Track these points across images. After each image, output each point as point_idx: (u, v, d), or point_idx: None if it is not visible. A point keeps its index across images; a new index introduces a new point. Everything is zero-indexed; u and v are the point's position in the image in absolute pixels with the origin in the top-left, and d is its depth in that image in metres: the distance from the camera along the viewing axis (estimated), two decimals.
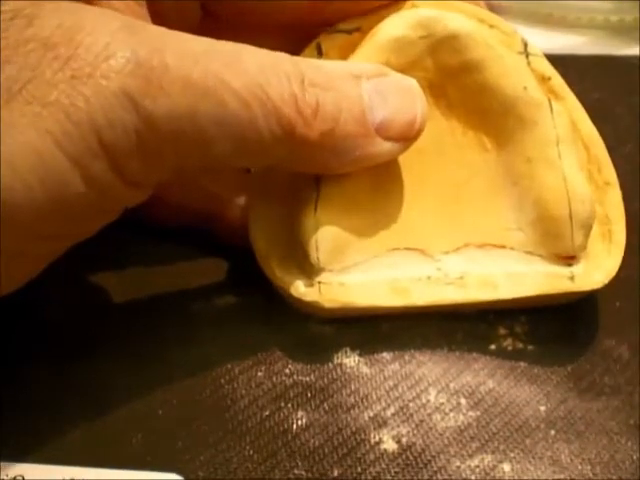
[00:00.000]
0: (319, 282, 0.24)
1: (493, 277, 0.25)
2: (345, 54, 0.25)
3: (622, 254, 0.25)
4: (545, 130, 0.24)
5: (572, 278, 0.24)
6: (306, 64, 0.21)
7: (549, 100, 0.25)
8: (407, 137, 0.23)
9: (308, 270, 0.24)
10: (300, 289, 0.24)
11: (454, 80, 0.25)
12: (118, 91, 0.18)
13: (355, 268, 0.24)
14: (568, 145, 0.24)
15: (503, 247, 0.25)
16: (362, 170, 0.24)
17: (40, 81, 0.18)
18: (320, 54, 0.25)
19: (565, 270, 0.24)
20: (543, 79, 0.25)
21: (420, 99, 0.23)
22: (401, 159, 0.25)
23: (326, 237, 0.24)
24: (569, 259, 0.24)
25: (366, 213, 0.24)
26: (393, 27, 0.25)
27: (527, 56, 0.25)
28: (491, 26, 0.26)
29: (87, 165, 0.19)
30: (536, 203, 0.24)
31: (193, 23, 0.26)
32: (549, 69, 0.26)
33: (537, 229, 0.25)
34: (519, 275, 0.24)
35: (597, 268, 0.25)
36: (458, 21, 0.25)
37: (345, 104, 0.21)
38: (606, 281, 0.24)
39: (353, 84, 0.22)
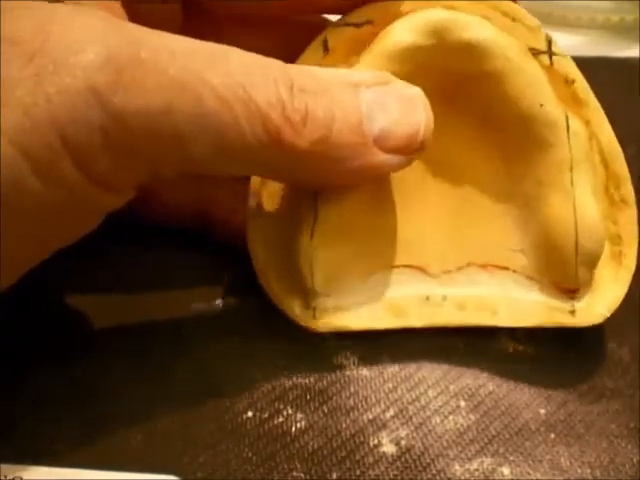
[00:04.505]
0: (314, 307, 0.24)
1: (493, 302, 0.24)
2: (353, 49, 0.24)
3: (629, 281, 0.24)
4: (559, 153, 0.23)
5: (573, 312, 0.24)
6: (297, 70, 0.21)
7: (567, 117, 0.23)
8: (409, 150, 0.22)
9: (304, 290, 0.24)
10: (295, 310, 0.24)
11: (467, 90, 0.24)
12: (83, 88, 0.18)
13: (352, 289, 0.24)
14: (582, 170, 0.23)
15: (506, 269, 0.24)
16: (362, 185, 0.23)
17: (6, 79, 0.18)
18: (326, 50, 0.24)
19: (567, 303, 0.24)
20: (566, 82, 0.24)
21: (425, 109, 0.22)
22: (405, 171, 0.24)
23: (322, 265, 0.23)
24: (571, 292, 0.24)
25: (366, 231, 0.24)
26: (403, 33, 0.23)
27: (550, 56, 0.24)
28: (514, 19, 0.24)
29: (48, 164, 0.18)
30: (542, 230, 0.24)
31: (175, 24, 0.25)
32: (573, 71, 0.24)
33: (541, 256, 0.24)
34: (519, 303, 0.24)
35: (600, 298, 0.24)
36: (475, 29, 0.23)
37: (339, 112, 0.20)
38: (608, 314, 0.24)
39: (350, 92, 0.21)
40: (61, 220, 0.20)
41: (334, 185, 0.23)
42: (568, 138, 0.23)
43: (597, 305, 0.24)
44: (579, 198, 0.23)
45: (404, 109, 0.21)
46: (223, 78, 0.19)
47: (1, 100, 0.17)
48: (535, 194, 0.24)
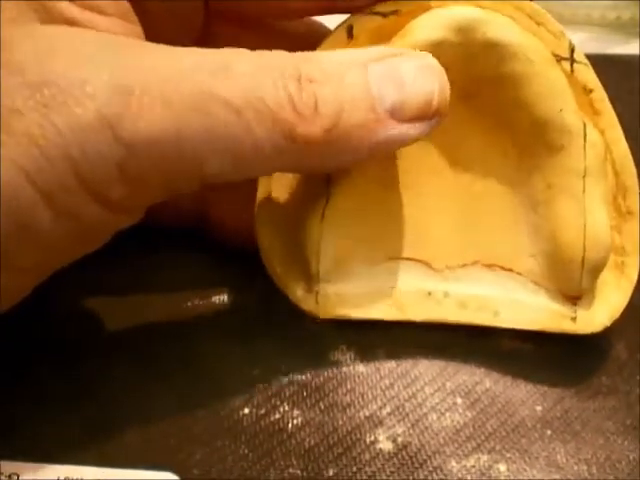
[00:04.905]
0: (317, 292, 0.24)
1: (494, 302, 0.24)
2: (378, 38, 0.23)
3: (631, 290, 0.24)
4: (573, 159, 0.23)
5: (574, 319, 0.24)
6: (304, 58, 0.20)
7: (584, 126, 0.23)
8: (425, 116, 0.21)
9: (308, 275, 0.24)
10: (297, 294, 0.24)
11: (488, 90, 0.24)
12: (94, 120, 0.17)
13: (355, 277, 0.24)
14: (595, 179, 0.23)
15: (511, 271, 0.24)
16: (376, 175, 0.23)
17: (10, 110, 0.17)
18: (350, 37, 0.24)
19: (568, 310, 0.24)
20: (584, 91, 0.24)
21: (439, 75, 0.21)
22: (419, 165, 0.24)
23: (329, 249, 0.23)
24: (574, 298, 0.24)
25: (375, 220, 0.24)
26: (427, 30, 0.22)
27: (572, 63, 0.24)
28: (539, 24, 0.23)
29: (62, 200, 0.18)
30: (551, 236, 0.24)
31: (196, 25, 0.25)
32: (592, 80, 0.24)
33: (547, 262, 0.24)
34: (521, 305, 0.24)
35: (602, 305, 0.24)
36: (500, 29, 0.23)
37: (348, 95, 0.20)
38: (608, 323, 0.24)
39: (358, 71, 0.20)
40: (70, 245, 0.20)
41: (354, 164, 0.22)
42: (584, 147, 0.23)
43: (598, 313, 0.24)
44: (589, 207, 0.23)
45: (417, 76, 0.21)
46: (231, 87, 0.19)
47: (2, 130, 0.17)
48: (544, 198, 0.24)
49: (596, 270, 0.23)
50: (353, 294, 0.24)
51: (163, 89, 0.18)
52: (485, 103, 0.24)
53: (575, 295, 0.24)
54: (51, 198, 0.18)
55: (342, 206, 0.23)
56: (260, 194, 0.25)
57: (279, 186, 0.25)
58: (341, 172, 0.23)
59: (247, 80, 0.19)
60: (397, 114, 0.21)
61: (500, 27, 0.23)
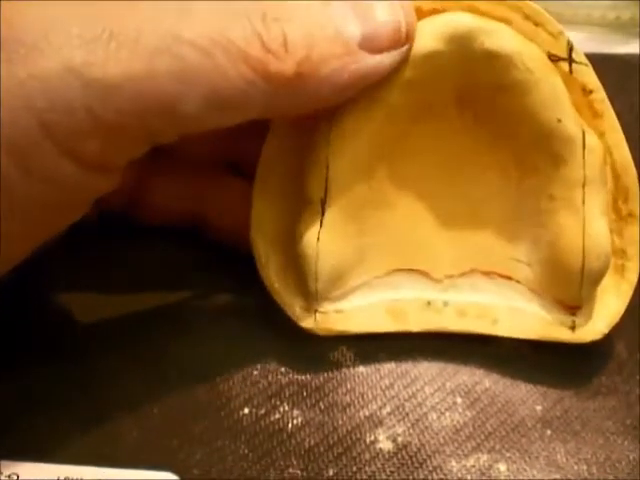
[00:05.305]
0: (315, 310, 0.24)
1: (494, 310, 0.24)
2: None
3: (630, 294, 0.24)
4: (573, 170, 0.23)
5: (573, 328, 0.24)
6: (265, 1, 0.20)
7: (583, 134, 0.23)
8: (396, 45, 0.21)
9: (306, 292, 0.24)
10: (296, 312, 0.24)
11: (485, 99, 0.23)
12: (59, 68, 0.17)
13: (354, 292, 0.24)
14: (594, 189, 0.23)
15: (509, 278, 0.24)
16: (370, 190, 0.23)
17: None
18: None
19: (567, 319, 0.24)
20: (584, 92, 0.23)
21: (402, 3, 0.21)
22: (415, 173, 0.24)
23: (326, 268, 0.23)
24: (573, 308, 0.24)
25: (372, 233, 0.24)
26: (424, 40, 0.22)
27: (570, 63, 0.23)
28: (537, 24, 0.23)
29: (31, 157, 0.18)
30: (550, 245, 0.23)
31: None
32: (592, 81, 0.23)
33: (546, 271, 0.24)
34: (520, 314, 0.24)
35: (601, 313, 0.24)
36: (498, 38, 0.22)
37: (315, 28, 0.20)
38: (607, 331, 0.24)
39: (321, 6, 0.20)
40: (49, 212, 0.20)
41: (333, 103, 0.22)
42: (583, 156, 0.23)
43: (597, 321, 0.24)
44: (589, 217, 0.23)
45: (380, 8, 0.21)
46: (196, 28, 0.19)
47: None
48: (546, 208, 0.23)
49: (596, 279, 0.23)
50: (352, 309, 0.24)
51: (130, 34, 0.18)
52: (484, 114, 0.24)
53: (574, 305, 0.24)
54: (18, 154, 0.18)
55: (337, 225, 0.23)
56: (255, 210, 0.24)
57: (275, 201, 0.24)
58: (336, 189, 0.23)
59: (212, 21, 0.19)
60: (367, 46, 0.21)
61: (498, 36, 0.22)
